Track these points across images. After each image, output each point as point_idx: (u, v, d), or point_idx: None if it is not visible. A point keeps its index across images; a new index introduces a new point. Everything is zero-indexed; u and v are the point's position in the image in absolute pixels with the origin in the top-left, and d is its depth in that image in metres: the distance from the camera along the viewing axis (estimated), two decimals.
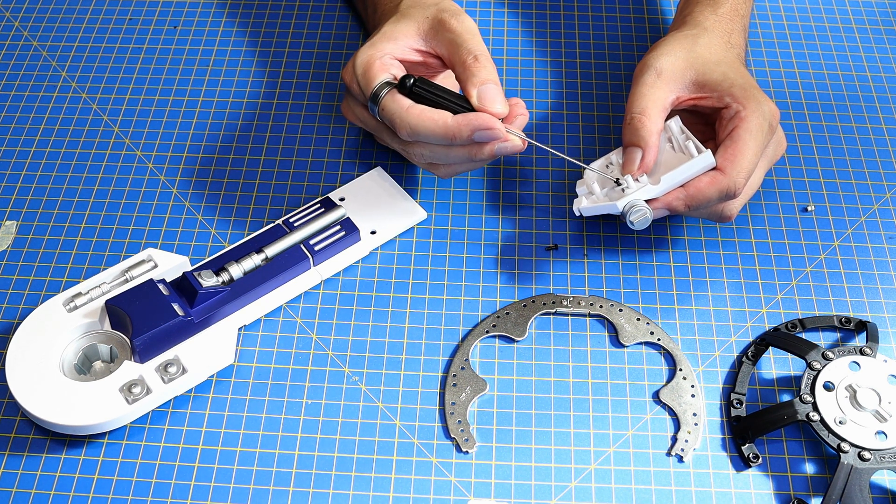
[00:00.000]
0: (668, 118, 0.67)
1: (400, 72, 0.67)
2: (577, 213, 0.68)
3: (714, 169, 0.64)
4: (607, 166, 0.69)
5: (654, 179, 0.65)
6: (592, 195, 0.68)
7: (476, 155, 0.64)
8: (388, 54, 0.66)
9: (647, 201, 0.65)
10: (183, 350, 0.63)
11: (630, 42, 0.84)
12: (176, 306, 0.63)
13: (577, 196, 0.69)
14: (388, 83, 0.65)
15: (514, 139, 0.64)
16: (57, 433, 0.61)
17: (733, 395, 0.63)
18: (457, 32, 0.66)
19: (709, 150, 0.64)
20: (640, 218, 0.64)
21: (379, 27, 0.69)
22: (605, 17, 0.86)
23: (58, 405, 0.59)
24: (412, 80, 0.64)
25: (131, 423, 0.62)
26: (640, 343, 0.66)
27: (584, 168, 0.68)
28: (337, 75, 0.81)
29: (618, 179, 0.66)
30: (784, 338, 0.65)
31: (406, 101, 0.64)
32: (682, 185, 0.64)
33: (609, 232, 0.71)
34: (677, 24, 0.74)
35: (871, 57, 0.84)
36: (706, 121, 0.69)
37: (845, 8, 0.88)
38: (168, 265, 0.66)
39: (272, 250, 0.67)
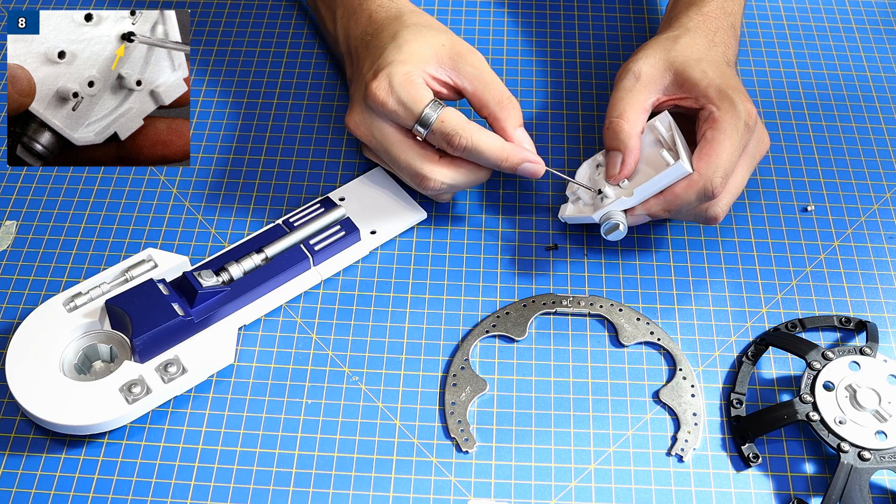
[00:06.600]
0: (654, 116, 0.68)
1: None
2: (562, 220, 0.69)
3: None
4: (597, 166, 0.69)
5: (629, 190, 0.65)
6: (579, 201, 0.68)
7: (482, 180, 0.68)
8: (420, 73, 0.66)
9: (626, 210, 0.65)
10: (183, 350, 0.63)
11: (630, 42, 0.84)
12: (176, 306, 0.63)
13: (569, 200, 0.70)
14: (435, 100, 0.65)
15: (539, 170, 0.67)
16: (57, 433, 0.61)
17: (733, 395, 0.63)
18: (480, 70, 0.67)
19: (683, 159, 0.63)
20: (612, 231, 0.65)
21: (385, 37, 0.68)
22: (604, 16, 0.86)
23: (58, 405, 0.59)
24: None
25: (131, 423, 0.62)
26: (640, 343, 0.66)
27: (568, 181, 0.69)
28: (336, 75, 0.81)
29: (599, 190, 0.66)
30: (784, 338, 0.65)
31: (464, 117, 0.65)
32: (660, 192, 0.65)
33: None
34: (663, 27, 0.74)
35: (870, 57, 0.84)
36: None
37: (845, 8, 0.88)
38: (168, 265, 0.66)
39: (272, 250, 0.67)
